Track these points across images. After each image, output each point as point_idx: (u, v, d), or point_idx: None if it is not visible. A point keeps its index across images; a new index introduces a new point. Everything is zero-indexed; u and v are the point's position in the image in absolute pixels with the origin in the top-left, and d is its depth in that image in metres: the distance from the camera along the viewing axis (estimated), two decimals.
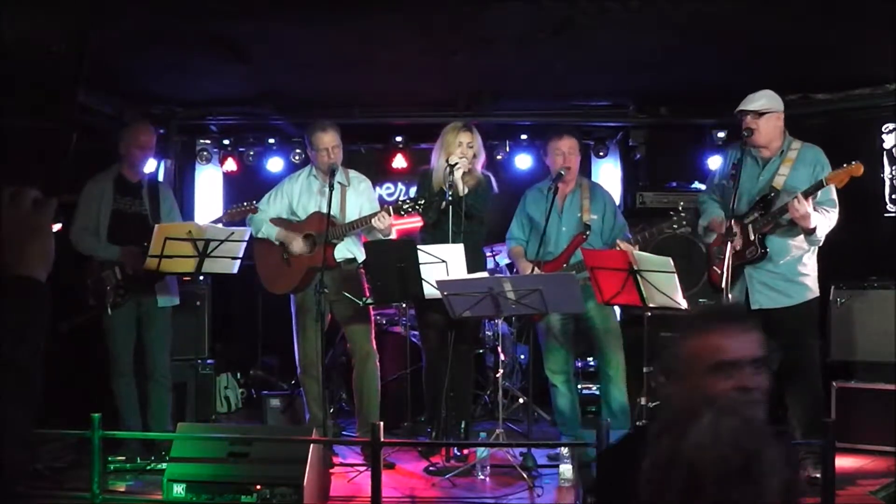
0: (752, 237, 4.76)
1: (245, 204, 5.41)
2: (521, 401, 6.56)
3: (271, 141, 7.60)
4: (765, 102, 4.77)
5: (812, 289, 4.81)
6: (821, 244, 4.73)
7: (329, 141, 5.33)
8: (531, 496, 4.58)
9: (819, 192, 4.60)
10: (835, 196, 4.70)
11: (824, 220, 4.63)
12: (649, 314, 5.02)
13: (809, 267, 4.81)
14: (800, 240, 4.76)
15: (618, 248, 5.03)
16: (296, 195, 5.50)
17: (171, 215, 5.47)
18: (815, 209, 4.60)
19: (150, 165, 6.08)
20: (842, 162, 4.61)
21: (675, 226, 5.03)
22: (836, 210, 4.70)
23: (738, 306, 2.42)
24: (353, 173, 5.55)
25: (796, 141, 4.86)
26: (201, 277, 6.28)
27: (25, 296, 1.48)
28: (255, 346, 7.33)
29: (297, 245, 5.36)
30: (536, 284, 4.73)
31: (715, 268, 4.93)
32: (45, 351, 1.47)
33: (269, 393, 6.54)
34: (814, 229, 4.60)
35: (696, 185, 6.75)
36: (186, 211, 7.16)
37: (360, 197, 5.46)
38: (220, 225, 5.32)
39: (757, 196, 4.82)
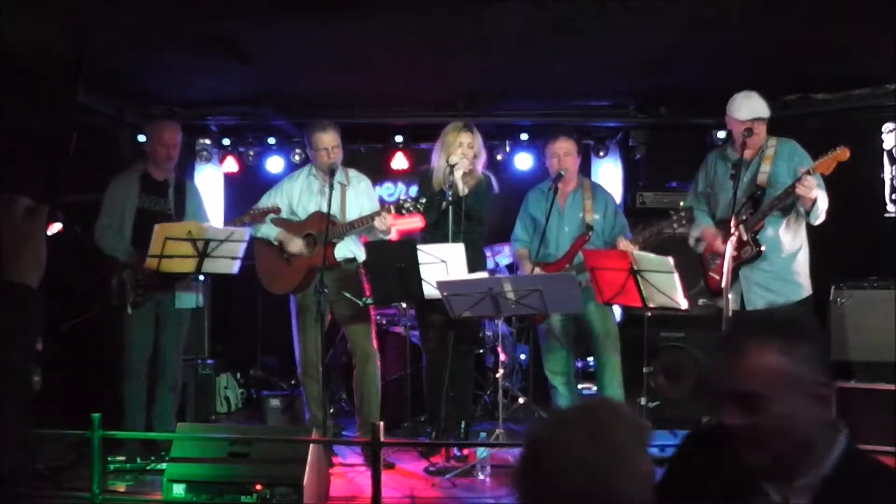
0: (745, 237, 4.76)
1: (269, 205, 5.41)
2: (521, 401, 6.56)
3: (271, 141, 7.60)
4: (766, 106, 4.81)
5: (805, 287, 4.84)
6: (821, 219, 4.72)
7: (329, 141, 5.32)
8: None
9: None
10: (821, 181, 4.72)
11: (822, 194, 4.65)
12: (649, 314, 5.02)
13: (802, 265, 4.84)
14: (790, 236, 4.78)
15: (619, 247, 5.04)
16: (296, 195, 5.49)
17: (198, 215, 5.46)
18: None
19: None
20: (841, 162, 4.61)
21: (674, 225, 5.03)
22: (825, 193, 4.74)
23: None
24: (352, 172, 5.55)
25: (772, 138, 4.90)
26: (201, 277, 6.28)
27: (18, 301, 1.49)
28: (255, 346, 7.33)
29: (296, 246, 5.35)
30: (536, 285, 4.73)
31: (712, 273, 4.94)
32: (44, 351, 1.48)
33: (269, 393, 6.54)
34: (815, 201, 4.59)
35: None
36: None
37: (360, 196, 5.45)
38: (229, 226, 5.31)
39: (744, 196, 4.83)
